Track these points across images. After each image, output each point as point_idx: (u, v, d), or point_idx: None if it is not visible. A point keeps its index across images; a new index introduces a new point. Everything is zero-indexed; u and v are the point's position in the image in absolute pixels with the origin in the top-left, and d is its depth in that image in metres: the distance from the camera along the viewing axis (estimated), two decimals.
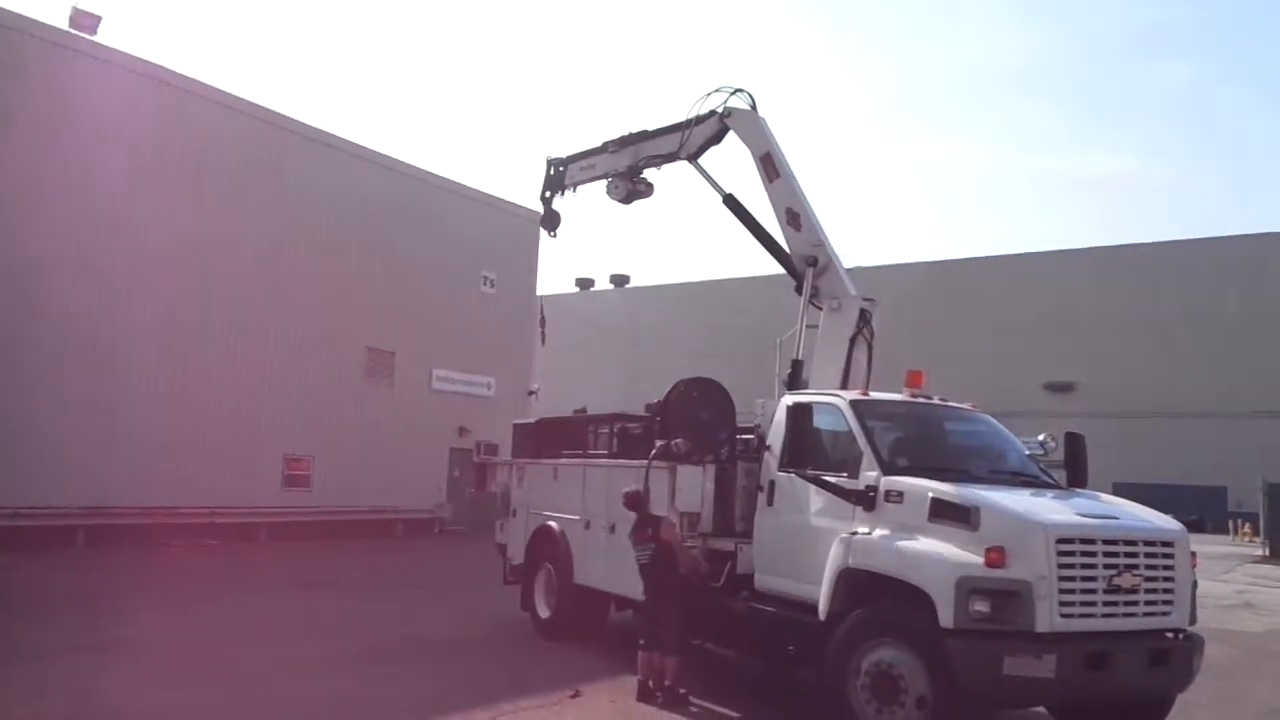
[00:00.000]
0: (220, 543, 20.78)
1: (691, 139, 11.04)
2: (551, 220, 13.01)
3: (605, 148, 12.14)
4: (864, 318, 9.63)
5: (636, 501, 8.72)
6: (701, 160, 11.24)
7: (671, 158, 11.39)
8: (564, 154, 12.81)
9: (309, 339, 24.41)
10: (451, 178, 29.78)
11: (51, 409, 19.12)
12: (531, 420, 13.56)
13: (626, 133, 11.89)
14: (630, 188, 12.06)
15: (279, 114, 24.85)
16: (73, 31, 21.14)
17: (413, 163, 28.56)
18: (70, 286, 19.80)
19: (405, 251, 27.09)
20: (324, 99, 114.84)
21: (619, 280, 62.70)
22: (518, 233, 31.52)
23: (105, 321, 20.33)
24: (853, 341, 9.50)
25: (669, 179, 12.02)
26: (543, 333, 13.40)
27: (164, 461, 20.68)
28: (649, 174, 12.00)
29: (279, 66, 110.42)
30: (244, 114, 23.77)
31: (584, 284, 62.83)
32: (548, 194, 12.93)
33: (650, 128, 11.62)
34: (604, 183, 12.34)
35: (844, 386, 9.18)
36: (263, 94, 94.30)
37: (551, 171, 12.84)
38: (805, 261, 9.91)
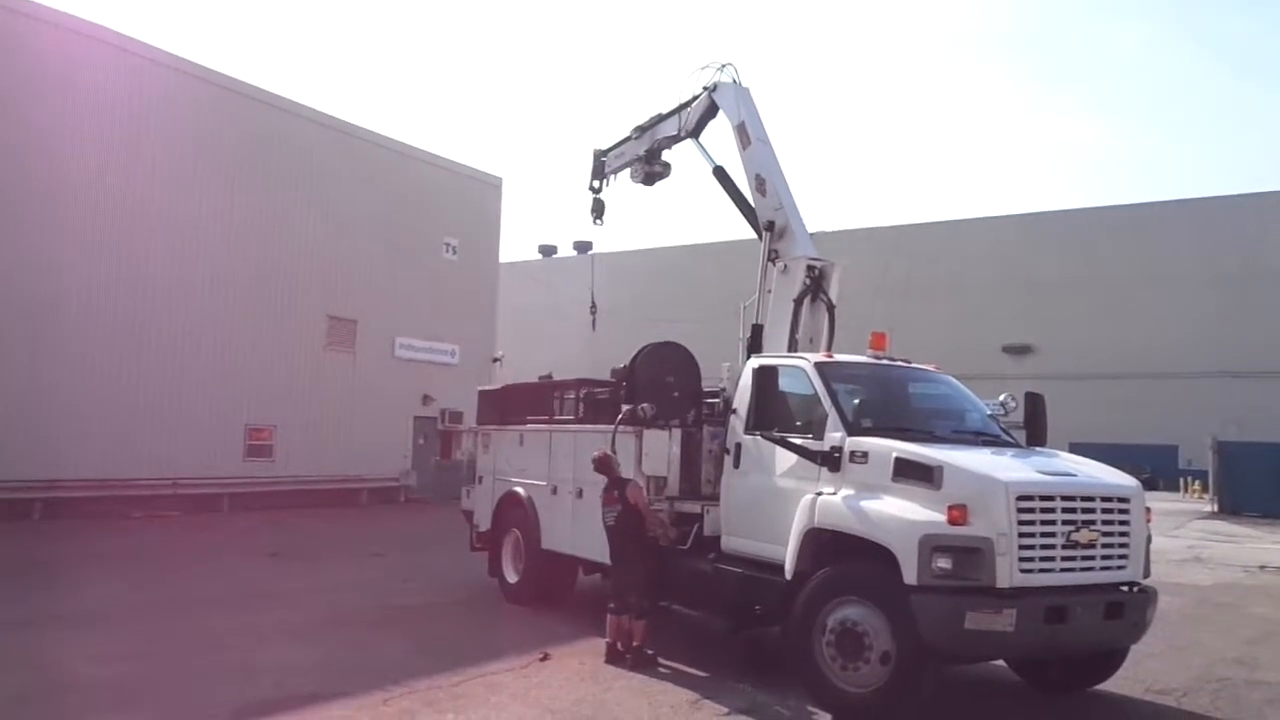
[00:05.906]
0: (182, 513, 20.60)
1: (689, 117, 11.49)
2: (598, 209, 13.25)
3: (631, 135, 12.51)
4: (817, 279, 9.68)
5: (605, 464, 8.80)
6: (704, 136, 11.53)
7: (677, 137, 11.79)
8: (605, 145, 13.16)
9: (269, 308, 24.13)
10: (412, 143, 29.40)
11: (2, 382, 18.78)
12: (497, 386, 13.53)
13: (647, 118, 12.26)
14: (648, 170, 12.42)
15: (234, 79, 24.32)
16: None
17: (372, 128, 28.14)
18: (26, 259, 19.35)
19: (367, 219, 26.76)
20: (321, 82, 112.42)
21: (582, 247, 62.30)
22: (480, 199, 31.30)
23: (59, 293, 19.90)
24: (798, 302, 9.56)
25: (683, 156, 12.31)
26: (593, 318, 13.57)
27: (122, 433, 20.42)
28: (666, 155, 12.35)
29: (268, 48, 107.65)
30: (199, 79, 23.24)
31: (547, 251, 62.35)
32: (595, 184, 13.21)
33: (664, 111, 11.98)
34: (628, 169, 12.69)
35: (791, 348, 9.26)
36: (242, 69, 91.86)
37: (596, 162, 13.17)
38: (765, 226, 10.02)
